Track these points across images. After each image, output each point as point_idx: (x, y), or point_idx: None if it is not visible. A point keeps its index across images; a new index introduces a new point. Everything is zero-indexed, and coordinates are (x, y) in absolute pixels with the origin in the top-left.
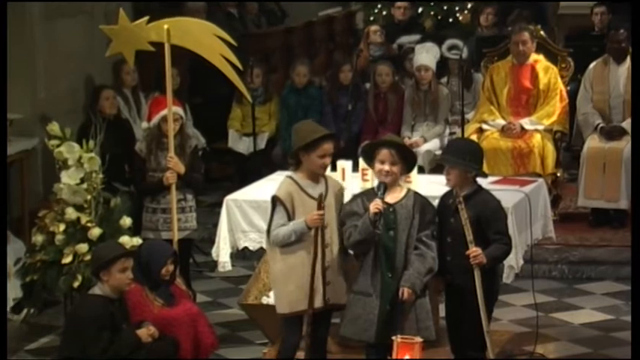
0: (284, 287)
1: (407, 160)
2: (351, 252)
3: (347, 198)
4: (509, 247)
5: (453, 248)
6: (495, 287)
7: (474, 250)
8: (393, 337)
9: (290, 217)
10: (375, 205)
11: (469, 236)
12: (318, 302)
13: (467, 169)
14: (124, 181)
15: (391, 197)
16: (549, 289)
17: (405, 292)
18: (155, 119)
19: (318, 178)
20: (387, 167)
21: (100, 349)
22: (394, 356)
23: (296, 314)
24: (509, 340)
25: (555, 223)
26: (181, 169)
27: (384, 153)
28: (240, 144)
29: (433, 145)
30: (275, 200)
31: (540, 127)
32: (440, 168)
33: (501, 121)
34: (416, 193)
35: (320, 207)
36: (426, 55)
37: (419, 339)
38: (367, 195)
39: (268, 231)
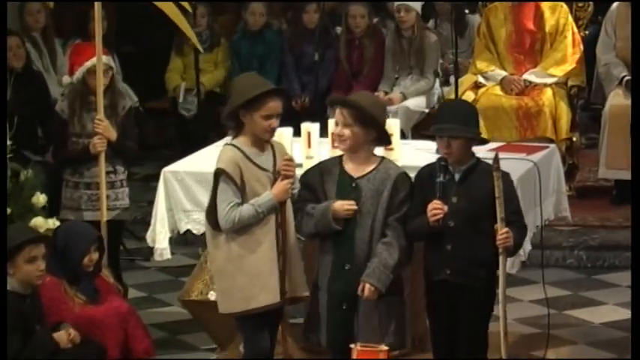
0: (232, 281)
1: (370, 124)
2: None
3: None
4: (526, 230)
5: (458, 235)
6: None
7: (506, 231)
8: (352, 345)
9: (240, 194)
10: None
11: (501, 213)
12: (274, 297)
13: (472, 138)
14: (37, 148)
15: (356, 169)
16: (563, 281)
17: (366, 289)
18: (79, 72)
19: (263, 146)
20: (337, 130)
21: (9, 355)
22: None
23: (249, 312)
24: (515, 343)
25: (571, 199)
26: (112, 134)
27: (336, 113)
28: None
29: (417, 102)
30: (219, 174)
31: (550, 80)
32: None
33: (501, 72)
34: (390, 165)
35: (283, 177)
36: None
37: (384, 347)
38: (326, 164)
39: (209, 213)
